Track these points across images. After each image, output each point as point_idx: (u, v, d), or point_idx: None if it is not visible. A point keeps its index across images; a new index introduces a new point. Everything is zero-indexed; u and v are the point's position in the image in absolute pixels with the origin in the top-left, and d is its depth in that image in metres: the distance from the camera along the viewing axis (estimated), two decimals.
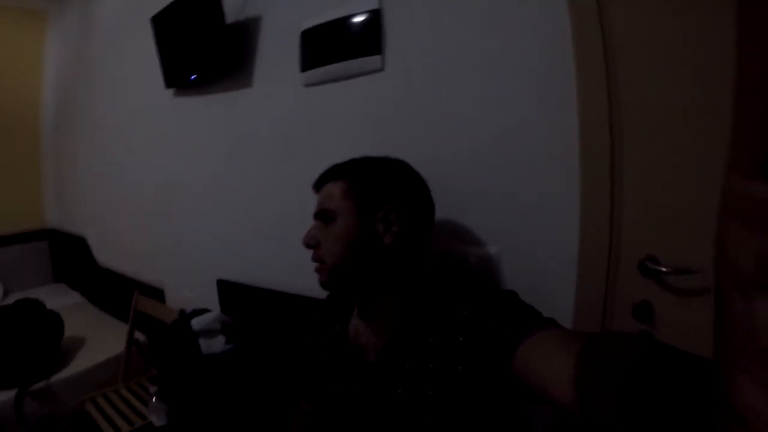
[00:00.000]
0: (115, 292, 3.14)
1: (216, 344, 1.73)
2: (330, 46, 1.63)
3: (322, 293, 1.26)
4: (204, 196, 2.36)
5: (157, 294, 2.70)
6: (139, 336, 2.63)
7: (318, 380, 1.10)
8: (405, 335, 0.97)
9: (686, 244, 1.05)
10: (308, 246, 1.03)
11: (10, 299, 2.97)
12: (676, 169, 1.05)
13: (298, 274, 1.86)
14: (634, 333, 0.97)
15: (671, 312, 1.09)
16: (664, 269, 1.07)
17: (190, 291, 2.47)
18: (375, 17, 1.50)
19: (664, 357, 0.55)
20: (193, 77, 2.16)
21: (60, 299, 3.38)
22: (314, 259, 1.02)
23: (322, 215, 1.02)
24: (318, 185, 1.09)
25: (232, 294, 2.17)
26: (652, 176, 1.08)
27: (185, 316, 1.87)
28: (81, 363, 2.50)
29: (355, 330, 1.07)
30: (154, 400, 1.73)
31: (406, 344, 0.96)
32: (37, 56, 4.05)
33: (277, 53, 1.88)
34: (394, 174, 1.06)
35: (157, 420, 1.73)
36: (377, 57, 1.51)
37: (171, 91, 2.44)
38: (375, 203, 1.01)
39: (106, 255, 3.35)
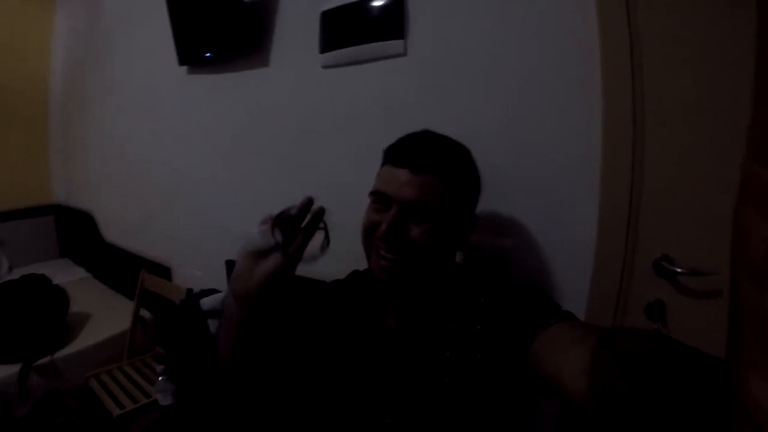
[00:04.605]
0: (120, 268, 3.13)
1: None
2: (351, 28, 1.58)
3: (328, 276, 1.24)
4: (214, 175, 2.33)
5: (163, 272, 2.68)
6: (145, 313, 2.62)
7: (334, 357, 1.06)
8: (426, 322, 0.97)
9: (702, 245, 1.05)
10: (392, 239, 0.91)
11: (16, 274, 2.96)
12: (696, 170, 1.04)
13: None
14: (650, 330, 0.96)
15: (684, 313, 1.10)
16: (678, 270, 1.07)
17: (199, 270, 2.45)
18: (399, 0, 1.45)
19: (678, 354, 0.56)
20: (208, 55, 2.12)
21: (65, 274, 3.37)
22: (390, 253, 0.91)
23: (415, 208, 0.91)
24: (411, 165, 0.93)
25: None
26: (671, 176, 1.07)
27: (194, 296, 1.85)
28: (86, 339, 2.49)
29: (382, 311, 1.05)
30: (160, 379, 1.71)
31: (426, 331, 0.96)
32: (46, 31, 3.98)
33: (295, 33, 1.83)
34: (478, 176, 1.03)
35: (163, 399, 1.71)
36: (400, 41, 1.47)
37: (184, 68, 2.39)
38: (469, 209, 1.02)
39: (112, 231, 3.33)
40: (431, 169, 0.92)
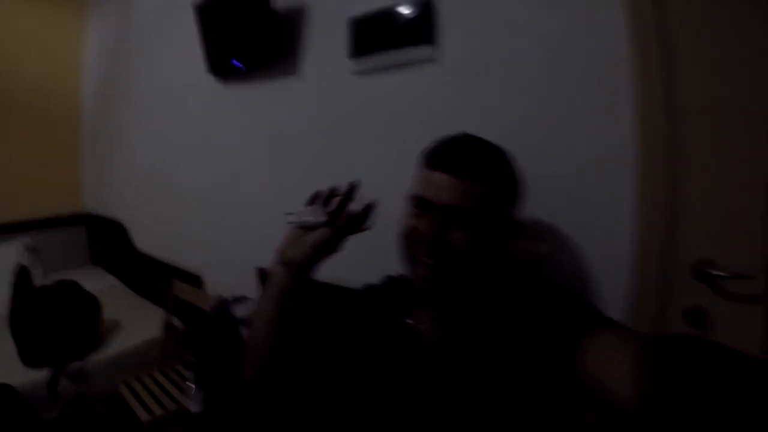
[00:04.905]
0: (151, 276, 3.15)
1: None
2: (381, 34, 1.58)
3: (356, 282, 1.24)
4: (245, 184, 2.34)
5: (194, 280, 2.69)
6: (176, 322, 2.62)
7: (368, 364, 1.03)
8: (463, 328, 0.94)
9: (744, 248, 1.01)
10: (434, 245, 0.88)
11: (48, 281, 2.98)
12: (735, 171, 1.01)
13: (338, 264, 1.81)
14: (697, 336, 0.92)
15: (725, 318, 1.06)
16: (720, 274, 1.03)
17: (229, 278, 2.45)
18: (429, 5, 1.45)
19: (725, 359, 0.56)
20: (238, 65, 2.13)
21: (96, 282, 3.37)
22: (431, 259, 0.89)
23: (456, 214, 0.88)
24: (452, 169, 0.90)
25: None
26: (710, 177, 1.04)
27: (226, 303, 1.84)
28: (116, 346, 2.50)
29: (417, 317, 1.03)
30: (191, 386, 1.69)
31: (464, 337, 0.93)
32: (78, 42, 4.09)
33: (325, 40, 1.84)
34: (520, 180, 1.00)
35: (194, 406, 1.69)
36: (430, 47, 1.46)
37: (214, 78, 2.41)
38: (510, 215, 0.98)
39: (143, 240, 3.37)
40: (473, 173, 0.89)
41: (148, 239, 3.31)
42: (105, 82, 3.79)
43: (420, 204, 0.93)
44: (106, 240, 3.89)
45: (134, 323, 2.75)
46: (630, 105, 1.10)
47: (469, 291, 0.96)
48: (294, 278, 0.98)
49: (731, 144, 1.01)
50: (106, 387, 2.29)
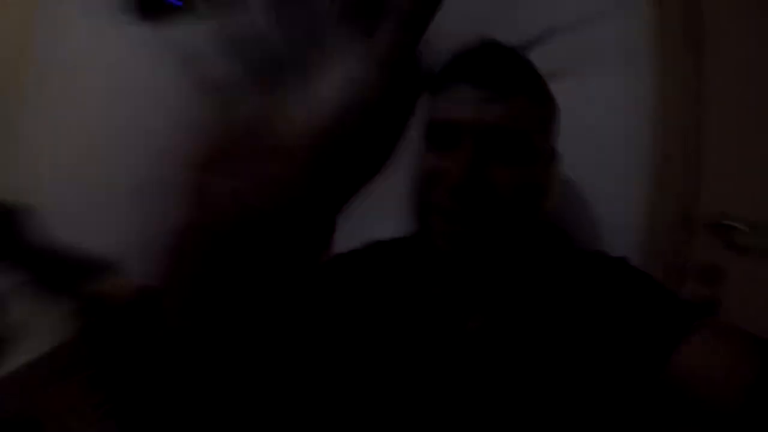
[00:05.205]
0: (62, 269, 2.75)
1: None
2: None
3: None
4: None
5: (108, 269, 2.37)
6: (87, 321, 2.27)
7: (377, 366, 0.80)
8: (507, 313, 0.77)
9: (763, 200, 1.02)
10: (470, 188, 0.65)
11: None
12: (756, 120, 1.00)
13: None
14: None
15: (742, 274, 1.04)
16: (738, 226, 1.03)
17: (148, 264, 2.15)
18: None
19: None
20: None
21: None
22: (462, 210, 0.68)
23: (500, 140, 0.64)
24: (489, 81, 0.65)
25: None
26: (731, 123, 1.02)
27: (145, 295, 1.54)
28: (22, 356, 2.23)
29: (438, 296, 0.82)
30: (101, 415, 1.37)
31: (509, 325, 0.76)
32: None
33: None
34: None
35: None
36: None
37: (140, 24, 2.07)
38: (552, 145, 0.78)
39: (50, 226, 2.93)
40: (518, 83, 0.67)
41: (56, 225, 2.89)
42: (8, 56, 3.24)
43: (442, 136, 0.71)
44: (8, 230, 3.50)
45: (43, 327, 2.39)
46: (648, 50, 1.07)
47: (511, 254, 0.77)
48: (283, 211, 0.39)
49: (754, 91, 0.99)
50: (13, 407, 1.99)
